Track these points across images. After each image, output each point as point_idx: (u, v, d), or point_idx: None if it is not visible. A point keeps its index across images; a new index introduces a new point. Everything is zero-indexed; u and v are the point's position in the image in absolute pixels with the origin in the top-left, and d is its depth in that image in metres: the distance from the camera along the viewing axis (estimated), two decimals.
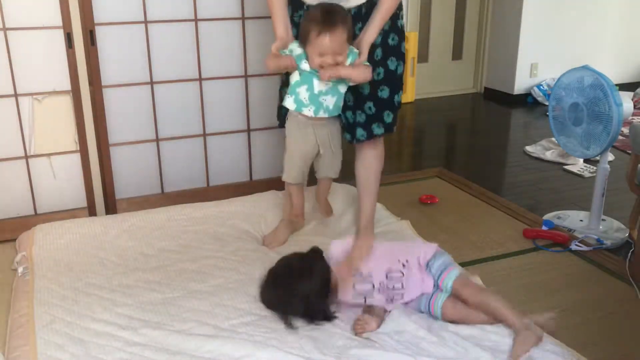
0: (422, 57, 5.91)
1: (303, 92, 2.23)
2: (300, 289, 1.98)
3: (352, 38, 2.22)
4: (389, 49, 2.31)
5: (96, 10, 2.84)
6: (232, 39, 3.15)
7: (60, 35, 2.79)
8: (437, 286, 2.05)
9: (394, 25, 2.30)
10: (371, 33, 2.20)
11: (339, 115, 2.38)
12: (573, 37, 5.80)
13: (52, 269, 2.35)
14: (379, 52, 2.29)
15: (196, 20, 3.05)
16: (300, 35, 2.21)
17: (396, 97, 2.38)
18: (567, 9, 5.69)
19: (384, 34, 2.29)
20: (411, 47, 5.57)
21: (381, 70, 2.32)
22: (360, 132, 2.39)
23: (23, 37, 2.74)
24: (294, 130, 2.40)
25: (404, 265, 2.04)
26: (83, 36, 2.82)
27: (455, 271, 2.06)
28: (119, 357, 1.82)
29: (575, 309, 2.33)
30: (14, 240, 2.73)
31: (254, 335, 1.92)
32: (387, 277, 2.03)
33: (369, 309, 2.02)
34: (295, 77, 2.24)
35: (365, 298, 2.02)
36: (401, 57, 2.36)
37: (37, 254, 2.47)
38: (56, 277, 2.29)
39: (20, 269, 2.37)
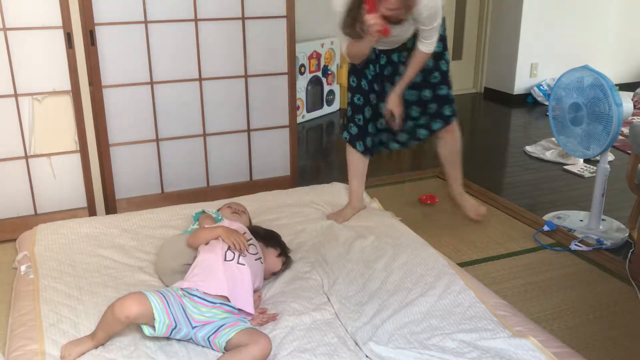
0: None
1: None
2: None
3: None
4: (437, 55, 2.69)
5: (96, 10, 2.84)
6: (232, 39, 3.15)
7: (60, 35, 2.79)
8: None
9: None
10: (401, 83, 2.65)
11: None
12: (573, 37, 5.80)
13: (55, 268, 2.35)
14: (430, 61, 2.68)
15: (196, 20, 3.05)
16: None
17: (450, 93, 2.85)
18: (567, 9, 5.69)
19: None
20: None
21: (437, 74, 2.74)
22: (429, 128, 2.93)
23: (23, 37, 2.75)
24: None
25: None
26: (83, 36, 2.83)
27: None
28: (123, 356, 1.83)
29: (575, 309, 2.33)
30: (14, 240, 2.73)
31: (274, 330, 1.93)
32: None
33: None
34: None
35: None
36: (446, 60, 2.79)
37: (39, 253, 2.47)
38: (60, 276, 2.29)
39: (23, 267, 2.36)
